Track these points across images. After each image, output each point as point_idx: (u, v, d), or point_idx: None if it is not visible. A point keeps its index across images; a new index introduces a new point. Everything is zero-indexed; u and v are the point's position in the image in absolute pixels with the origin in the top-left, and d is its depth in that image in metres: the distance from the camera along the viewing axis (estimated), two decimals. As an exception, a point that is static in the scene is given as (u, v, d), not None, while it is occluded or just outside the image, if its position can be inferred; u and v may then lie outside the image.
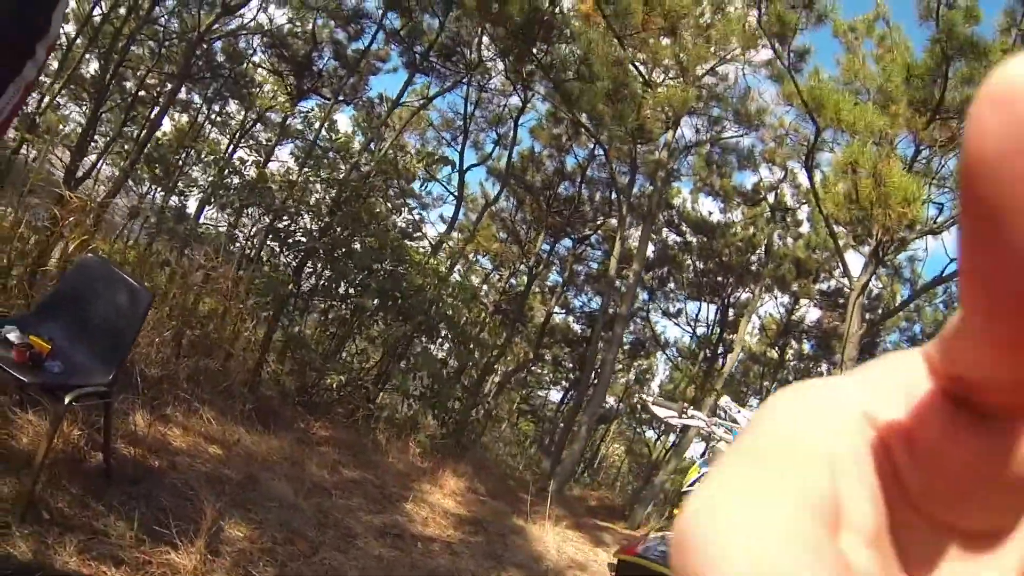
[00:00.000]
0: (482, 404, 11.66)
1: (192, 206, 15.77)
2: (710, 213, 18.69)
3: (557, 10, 10.89)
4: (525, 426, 18.47)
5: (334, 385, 7.81)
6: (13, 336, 3.39)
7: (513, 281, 17.81)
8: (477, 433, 10.88)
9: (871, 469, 0.22)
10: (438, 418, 9.15)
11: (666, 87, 10.52)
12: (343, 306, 8.38)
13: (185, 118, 19.77)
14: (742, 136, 14.66)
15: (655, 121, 10.62)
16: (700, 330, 20.15)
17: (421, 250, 10.32)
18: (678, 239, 18.44)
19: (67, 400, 3.17)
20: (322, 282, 8.42)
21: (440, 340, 8.98)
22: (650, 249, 15.16)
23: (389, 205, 9.61)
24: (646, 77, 11.31)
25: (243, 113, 19.47)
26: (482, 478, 8.33)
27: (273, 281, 7.12)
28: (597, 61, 10.16)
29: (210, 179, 13.82)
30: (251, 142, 20.91)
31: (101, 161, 16.32)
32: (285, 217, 8.46)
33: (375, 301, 7.83)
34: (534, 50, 11.02)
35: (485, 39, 12.53)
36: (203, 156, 18.62)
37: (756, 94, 13.74)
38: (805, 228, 17.22)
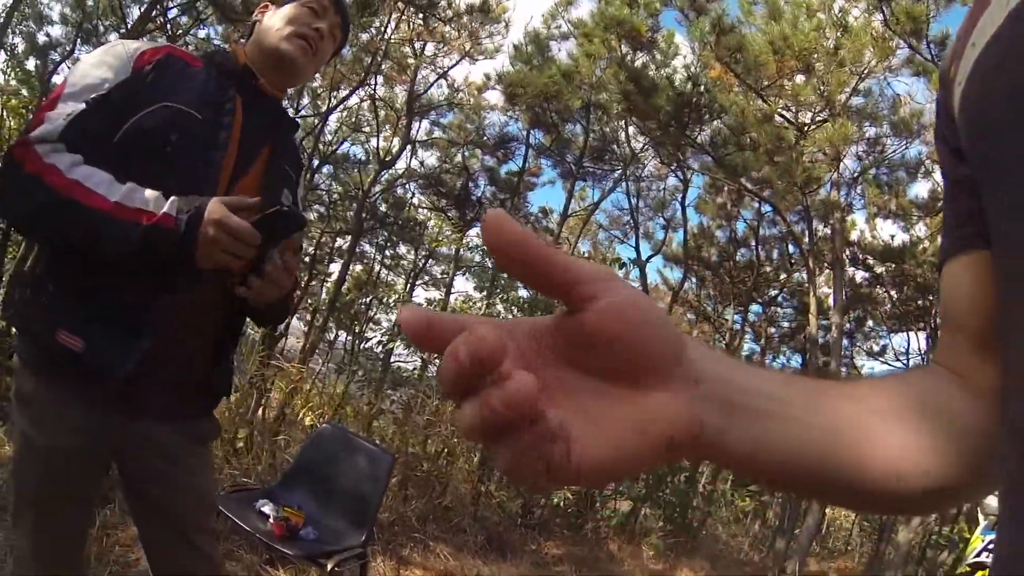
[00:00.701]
0: (700, 492, 11.28)
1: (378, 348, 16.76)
2: (892, 237, 17.52)
3: (702, 88, 10.98)
4: (741, 502, 17.66)
5: (559, 502, 7.82)
6: (268, 509, 3.63)
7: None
8: (701, 521, 10.49)
9: None
10: (666, 516, 8.93)
11: (823, 128, 10.21)
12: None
13: (359, 267, 21.07)
14: (906, 147, 13.90)
15: (819, 165, 10.31)
16: (913, 361, 18.69)
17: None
18: (866, 274, 17.44)
19: (329, 567, 3.35)
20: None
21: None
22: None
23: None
24: (795, 122, 11.07)
25: (414, 252, 20.58)
26: (719, 569, 7.99)
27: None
28: (752, 127, 10.06)
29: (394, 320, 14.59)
30: (426, 278, 22.03)
31: (292, 316, 17.70)
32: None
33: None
34: (688, 133, 11.11)
35: (632, 129, 12.72)
36: (383, 299, 19.78)
37: (907, 99, 13.01)
38: (998, 217, 15.65)
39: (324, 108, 13.48)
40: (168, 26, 12.12)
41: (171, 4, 11.85)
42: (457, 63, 13.48)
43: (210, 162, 1.67)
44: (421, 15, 11.51)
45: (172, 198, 1.50)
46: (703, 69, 10.98)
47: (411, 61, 12.98)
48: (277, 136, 1.86)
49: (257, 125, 1.79)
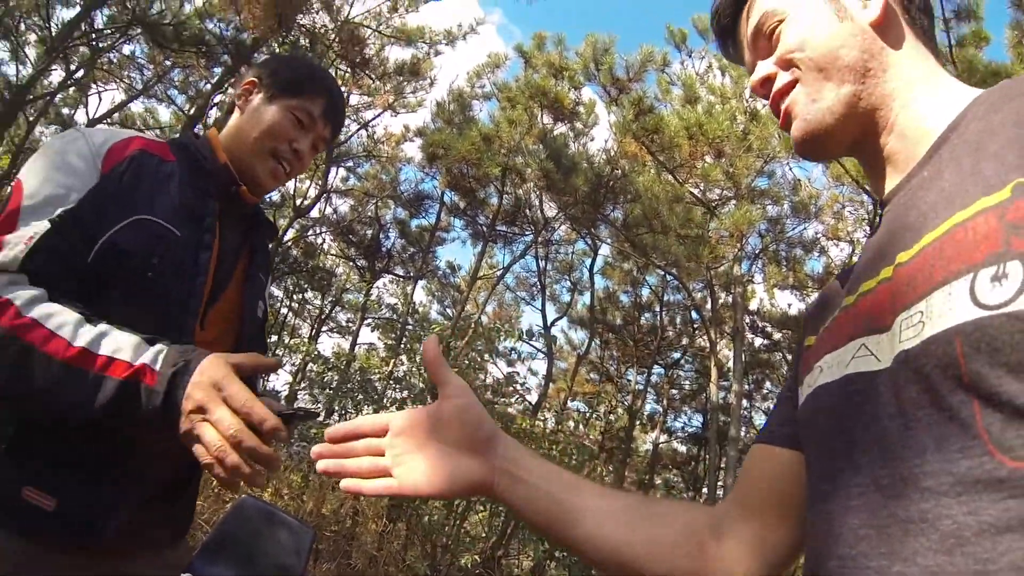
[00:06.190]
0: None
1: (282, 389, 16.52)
2: (789, 305, 18.45)
3: (620, 172, 11.38)
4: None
5: (468, 564, 7.85)
6: (188, 584, 3.55)
7: (612, 418, 17.82)
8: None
9: None
10: (570, 573, 9.08)
11: (729, 212, 10.75)
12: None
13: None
14: (803, 228, 14.74)
15: (724, 244, 10.85)
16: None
17: (520, 410, 10.46)
18: (764, 340, 18.24)
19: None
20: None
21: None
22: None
23: (475, 365, 9.84)
24: (703, 200, 11.61)
25: (321, 298, 20.32)
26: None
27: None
28: (665, 211, 10.54)
29: (297, 365, 14.44)
30: (332, 324, 21.76)
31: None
32: (388, 406, 8.73)
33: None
34: (601, 211, 11.51)
35: (546, 195, 13.03)
36: (289, 344, 19.40)
37: (806, 183, 13.87)
38: (884, 291, 16.77)
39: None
40: (94, 38, 11.86)
41: (100, 16, 11.59)
42: (379, 115, 13.63)
43: (193, 291, 1.43)
44: (351, 70, 11.62)
45: (158, 346, 1.18)
46: (621, 152, 11.40)
47: (335, 110, 13.01)
48: (254, 243, 1.65)
49: (233, 235, 1.57)
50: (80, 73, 13.47)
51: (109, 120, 15.21)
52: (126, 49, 13.29)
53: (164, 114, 16.76)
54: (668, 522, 0.97)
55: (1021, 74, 0.78)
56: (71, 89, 14.57)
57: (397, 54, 12.70)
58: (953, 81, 0.86)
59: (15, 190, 1.31)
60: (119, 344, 1.16)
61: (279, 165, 1.57)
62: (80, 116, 16.30)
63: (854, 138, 0.88)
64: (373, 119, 13.59)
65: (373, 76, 12.10)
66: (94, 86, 14.88)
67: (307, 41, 10.51)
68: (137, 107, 16.44)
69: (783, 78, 0.91)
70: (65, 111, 16.97)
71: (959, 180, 0.68)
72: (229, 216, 1.55)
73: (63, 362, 1.13)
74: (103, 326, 1.18)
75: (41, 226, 1.26)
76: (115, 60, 13.85)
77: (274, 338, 18.76)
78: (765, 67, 0.94)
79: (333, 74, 12.64)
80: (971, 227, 0.62)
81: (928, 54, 0.88)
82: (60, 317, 1.17)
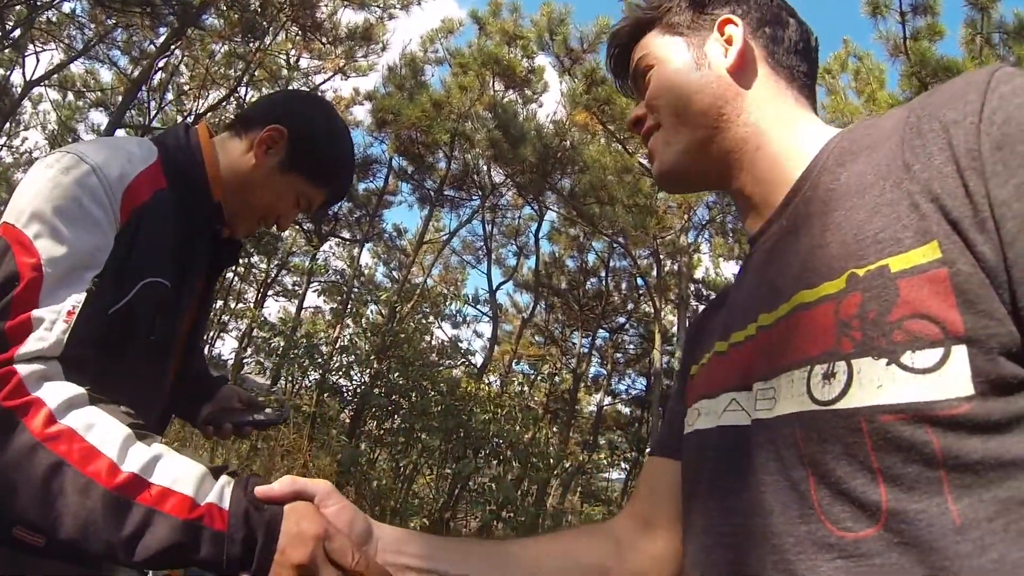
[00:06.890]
0: (549, 511, 11.76)
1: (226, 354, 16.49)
2: (734, 275, 18.90)
3: (568, 144, 11.43)
4: (591, 511, 18.52)
5: (417, 526, 8.02)
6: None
7: (556, 380, 18.13)
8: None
9: None
10: (518, 534, 9.30)
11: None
12: (410, 449, 8.64)
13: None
14: (752, 198, 14.91)
15: (672, 216, 11.04)
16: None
17: (466, 372, 10.59)
18: (708, 308, 18.52)
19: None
20: (384, 428, 8.73)
21: (503, 461, 9.16)
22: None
23: (421, 329, 9.92)
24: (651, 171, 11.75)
25: (267, 262, 20.10)
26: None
27: (350, 450, 7.41)
28: (613, 181, 10.64)
29: (243, 331, 14.31)
30: (278, 288, 21.58)
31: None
32: (335, 371, 8.80)
33: (439, 442, 8.13)
34: (549, 180, 11.59)
35: (495, 164, 13.06)
36: (234, 308, 19.21)
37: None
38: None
39: (189, 107, 13.13)
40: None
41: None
42: (330, 78, 13.46)
43: (174, 332, 1.39)
44: (302, 33, 11.45)
45: (224, 478, 0.95)
46: (570, 122, 11.43)
47: (284, 72, 12.84)
48: (217, 262, 1.56)
49: (202, 259, 1.48)
50: (16, 32, 12.98)
51: (47, 82, 14.69)
52: (66, 7, 12.83)
53: (106, 76, 16.29)
54: (568, 562, 1.00)
55: (866, 118, 0.78)
56: (6, 50, 14.05)
57: (350, 17, 12.55)
58: (814, 122, 0.89)
59: (16, 244, 1.06)
60: (179, 473, 0.93)
61: (259, 225, 1.51)
62: (16, 77, 15.78)
63: (712, 177, 0.94)
64: (323, 83, 13.41)
65: (324, 40, 11.93)
66: (31, 46, 14.35)
67: (258, 3, 10.32)
68: (77, 68, 15.95)
69: (650, 120, 0.97)
70: (0, 72, 16.41)
71: (810, 249, 0.74)
72: (207, 250, 1.48)
73: (107, 490, 0.89)
74: (157, 446, 0.96)
75: (76, 298, 1.06)
76: (54, 19, 13.39)
77: (220, 303, 18.60)
78: (639, 108, 0.99)
79: (283, 35, 12.52)
80: (813, 315, 0.69)
81: (789, 95, 0.91)
82: (104, 429, 0.95)
